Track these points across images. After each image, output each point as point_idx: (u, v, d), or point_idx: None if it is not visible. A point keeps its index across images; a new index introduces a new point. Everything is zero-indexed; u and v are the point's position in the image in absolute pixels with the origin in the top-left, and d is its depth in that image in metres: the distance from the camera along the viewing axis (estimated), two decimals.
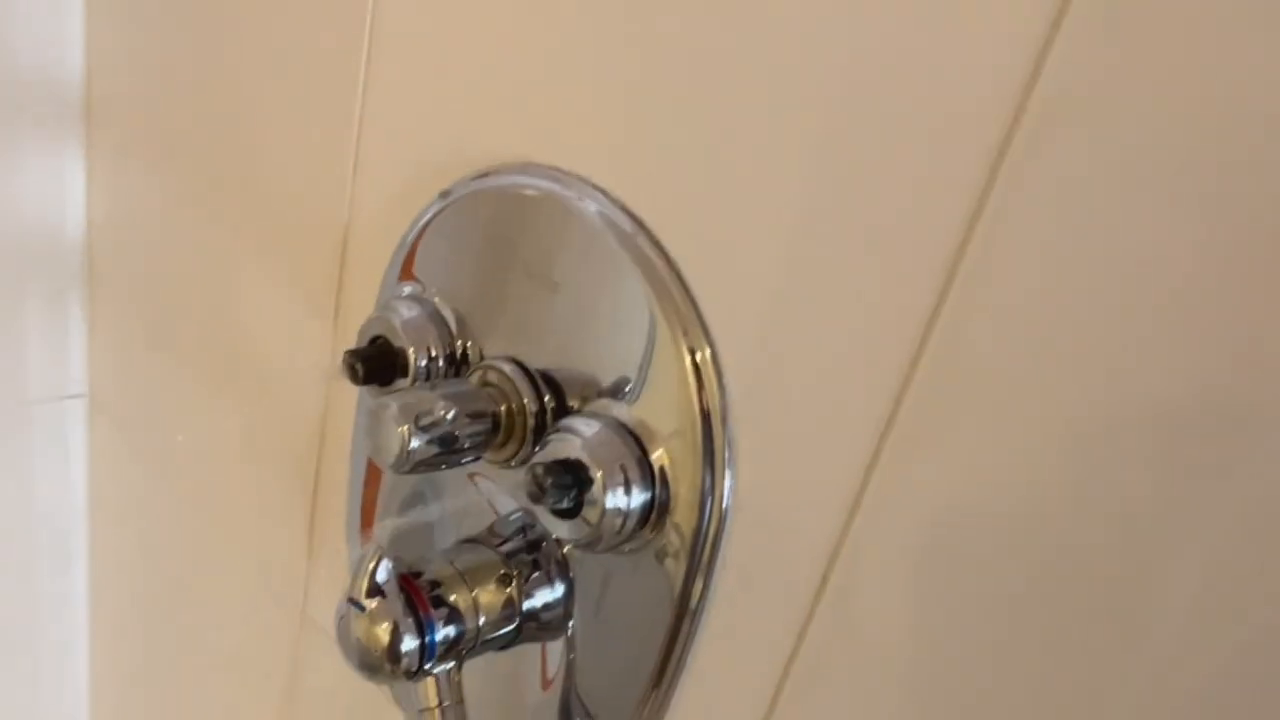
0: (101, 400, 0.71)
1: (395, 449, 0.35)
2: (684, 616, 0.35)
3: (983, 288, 0.26)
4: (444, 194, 0.40)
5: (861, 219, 0.28)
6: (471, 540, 0.41)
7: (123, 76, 0.60)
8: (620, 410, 0.34)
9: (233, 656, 0.62)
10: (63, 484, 0.73)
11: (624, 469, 0.33)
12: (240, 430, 0.57)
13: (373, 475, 0.48)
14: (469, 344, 0.39)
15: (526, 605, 0.39)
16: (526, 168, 0.38)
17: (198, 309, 0.58)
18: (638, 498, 0.33)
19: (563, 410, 0.37)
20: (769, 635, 0.33)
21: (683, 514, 0.34)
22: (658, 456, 0.33)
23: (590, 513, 0.33)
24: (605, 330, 0.34)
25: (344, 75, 0.43)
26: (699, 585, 0.35)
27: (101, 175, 0.65)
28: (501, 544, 0.40)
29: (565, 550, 0.39)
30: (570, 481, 0.33)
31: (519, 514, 0.40)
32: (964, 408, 0.27)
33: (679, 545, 0.34)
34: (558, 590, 0.39)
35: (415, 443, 0.35)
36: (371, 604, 0.37)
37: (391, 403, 0.35)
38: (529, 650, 0.40)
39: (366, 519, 0.50)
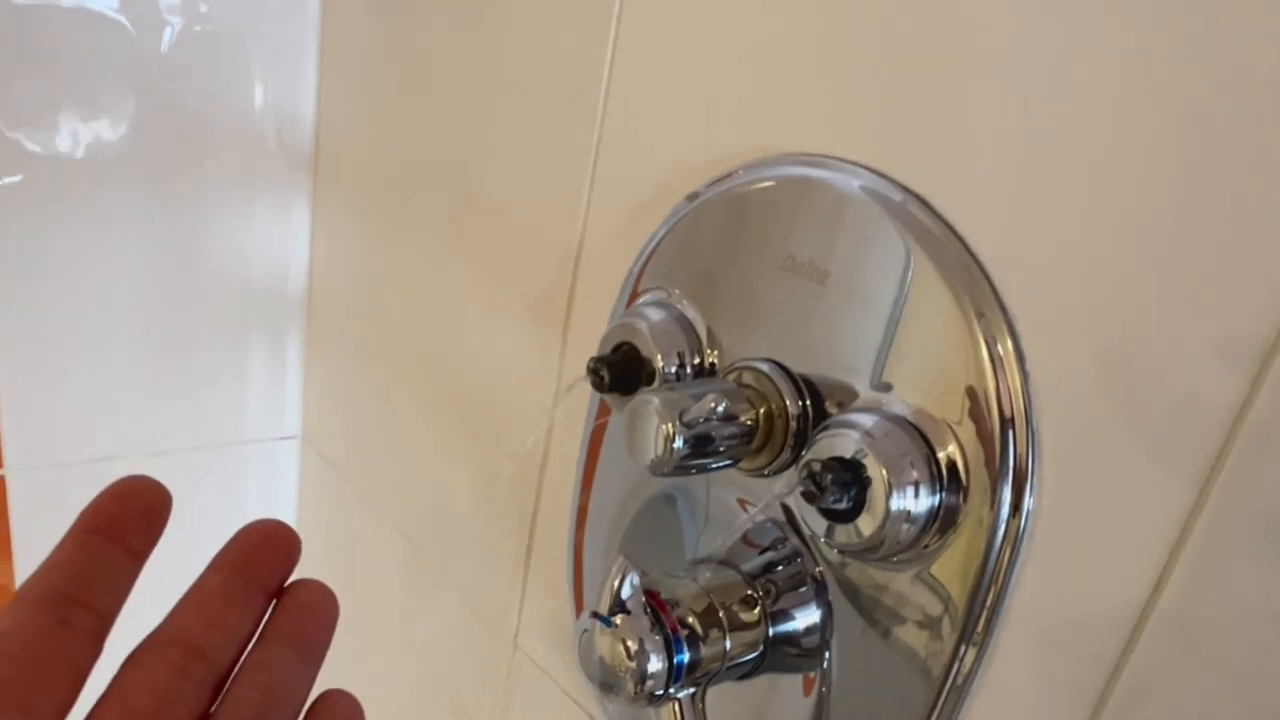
0: (313, 437, 0.74)
1: (658, 447, 0.33)
2: (966, 641, 0.32)
3: None
4: (691, 197, 0.39)
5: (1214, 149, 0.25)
6: (716, 559, 0.39)
7: (350, 121, 0.64)
8: (899, 406, 0.32)
9: (441, 682, 0.62)
10: (274, 515, 0.76)
11: (912, 465, 0.30)
12: (457, 459, 0.57)
13: (585, 500, 0.47)
14: (719, 351, 0.38)
15: (777, 629, 0.36)
16: (775, 160, 0.36)
17: (415, 342, 0.60)
18: (925, 501, 0.30)
19: (823, 415, 0.35)
20: (1073, 679, 0.29)
21: (972, 526, 0.30)
22: (945, 456, 0.30)
23: (870, 516, 0.30)
24: (880, 317, 0.32)
25: (584, 92, 0.44)
26: (984, 616, 0.31)
27: (325, 221, 0.68)
28: (754, 560, 0.37)
29: (821, 570, 0.36)
30: (850, 479, 0.30)
31: (771, 529, 0.37)
32: None
33: (965, 564, 0.31)
34: (813, 614, 0.36)
35: (679, 441, 0.33)
36: (618, 620, 0.35)
37: (654, 398, 0.33)
38: (779, 680, 0.37)
39: (580, 544, 0.48)
